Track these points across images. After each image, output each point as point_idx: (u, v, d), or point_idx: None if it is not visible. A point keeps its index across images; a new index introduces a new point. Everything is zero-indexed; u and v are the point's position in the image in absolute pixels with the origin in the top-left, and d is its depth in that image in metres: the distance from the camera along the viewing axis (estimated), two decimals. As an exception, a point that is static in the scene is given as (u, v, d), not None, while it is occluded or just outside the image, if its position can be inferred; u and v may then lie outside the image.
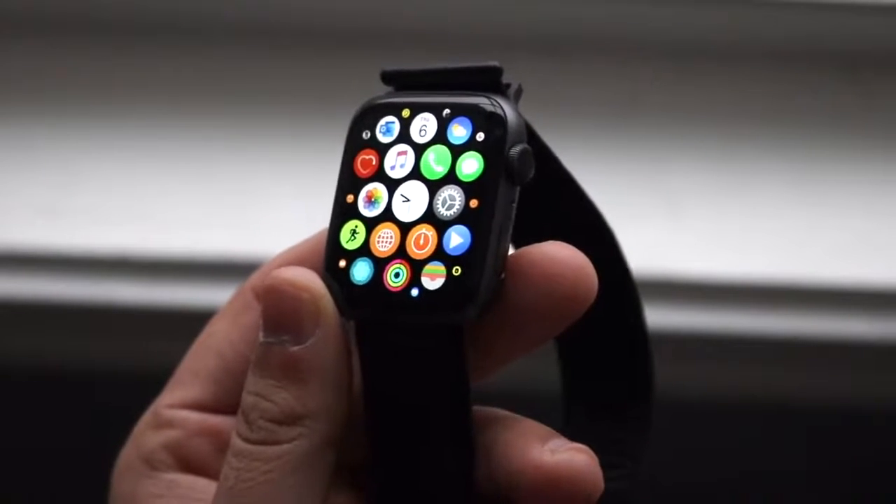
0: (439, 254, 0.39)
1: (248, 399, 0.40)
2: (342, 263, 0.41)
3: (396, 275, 0.40)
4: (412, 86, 0.42)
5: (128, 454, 0.44)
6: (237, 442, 0.40)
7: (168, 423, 0.44)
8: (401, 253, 0.40)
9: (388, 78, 0.43)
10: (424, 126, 0.41)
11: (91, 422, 0.76)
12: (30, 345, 0.72)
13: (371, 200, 0.41)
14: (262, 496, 0.40)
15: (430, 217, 0.40)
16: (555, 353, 0.47)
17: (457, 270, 0.39)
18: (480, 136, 0.40)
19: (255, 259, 0.68)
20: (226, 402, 0.44)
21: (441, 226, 0.40)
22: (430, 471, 0.41)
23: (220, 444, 0.44)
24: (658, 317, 0.67)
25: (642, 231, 0.68)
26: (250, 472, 0.40)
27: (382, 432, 0.41)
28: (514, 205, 0.40)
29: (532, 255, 0.39)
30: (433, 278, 0.39)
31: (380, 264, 0.40)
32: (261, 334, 0.40)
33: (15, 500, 0.81)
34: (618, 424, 0.45)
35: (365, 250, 0.40)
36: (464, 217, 0.39)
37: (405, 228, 0.40)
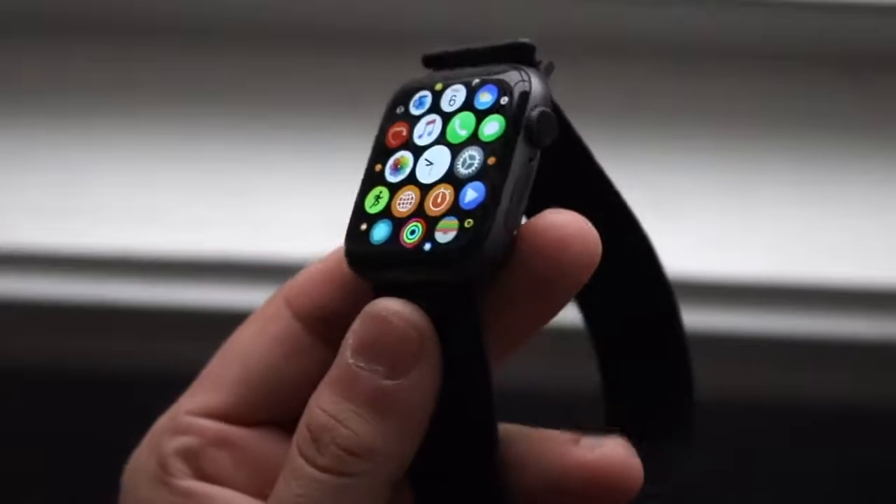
0: (454, 209, 0.40)
1: (320, 418, 0.39)
2: (363, 227, 0.41)
3: (412, 232, 0.40)
4: (450, 66, 0.43)
5: (143, 455, 0.43)
6: (301, 464, 0.39)
7: (186, 429, 0.43)
8: (419, 212, 0.40)
9: (428, 61, 0.44)
10: (454, 96, 0.42)
11: (94, 422, 0.76)
12: (32, 345, 0.73)
13: (397, 167, 0.42)
14: None
15: (449, 177, 0.40)
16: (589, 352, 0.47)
17: (468, 223, 0.39)
18: (504, 100, 0.41)
19: (257, 259, 0.68)
20: (246, 412, 0.43)
21: (459, 183, 0.40)
22: (453, 449, 0.41)
23: (237, 456, 0.43)
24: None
25: (642, 231, 0.68)
26: (305, 501, 0.39)
27: None
28: (533, 164, 0.40)
29: (537, 223, 0.40)
30: (446, 232, 0.40)
31: (398, 223, 0.40)
32: (349, 354, 0.39)
33: (16, 500, 0.81)
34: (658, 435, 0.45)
35: (386, 213, 0.41)
36: (481, 174, 0.40)
37: (425, 189, 0.41)
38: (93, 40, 0.72)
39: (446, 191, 0.40)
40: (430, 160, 0.41)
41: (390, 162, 0.42)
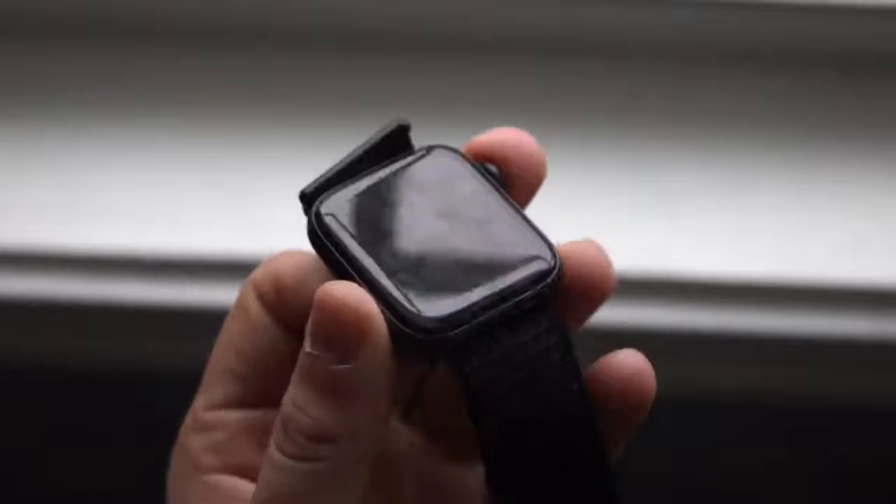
0: None
1: (287, 407, 0.40)
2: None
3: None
4: (337, 186, 0.43)
5: (177, 458, 0.44)
6: (274, 453, 0.40)
7: (210, 426, 0.44)
8: None
9: (309, 197, 0.44)
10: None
11: (94, 422, 0.76)
12: (32, 345, 0.73)
13: None
14: None
15: None
16: None
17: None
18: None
19: (257, 259, 0.68)
20: (255, 395, 0.44)
21: None
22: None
23: (262, 439, 0.44)
24: (657, 316, 0.68)
25: (641, 231, 0.68)
26: (283, 488, 0.40)
27: (517, 471, 0.41)
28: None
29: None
30: None
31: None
32: (307, 343, 0.40)
33: (16, 499, 0.81)
34: None
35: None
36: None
37: None
38: (94, 40, 0.72)
39: None
40: None
41: None
